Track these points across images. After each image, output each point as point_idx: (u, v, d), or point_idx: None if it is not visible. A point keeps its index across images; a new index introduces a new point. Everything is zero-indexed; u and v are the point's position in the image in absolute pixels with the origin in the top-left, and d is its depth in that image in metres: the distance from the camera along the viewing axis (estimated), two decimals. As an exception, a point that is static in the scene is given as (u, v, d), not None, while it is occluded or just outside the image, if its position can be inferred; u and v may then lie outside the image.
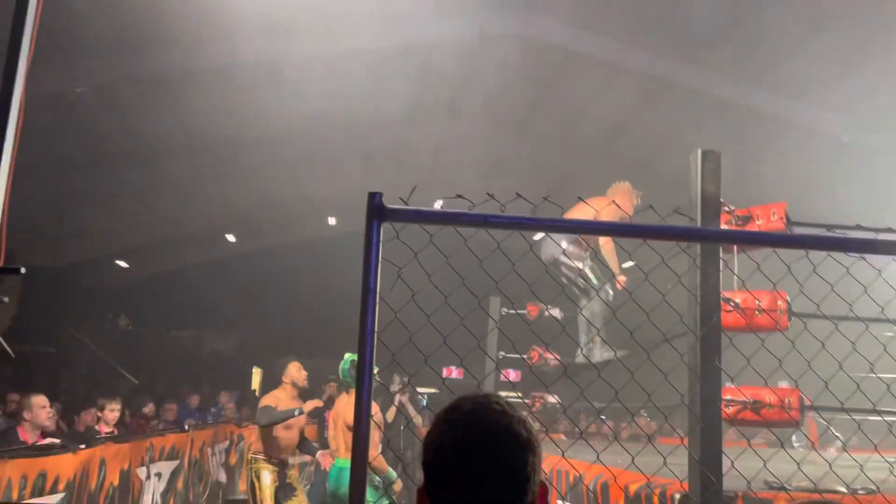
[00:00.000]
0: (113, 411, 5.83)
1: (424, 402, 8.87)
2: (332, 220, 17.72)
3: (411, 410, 8.27)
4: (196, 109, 11.20)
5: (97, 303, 16.75)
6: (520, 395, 6.35)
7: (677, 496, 2.96)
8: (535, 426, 1.07)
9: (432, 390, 13.95)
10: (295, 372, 5.71)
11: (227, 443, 7.84)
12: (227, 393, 10.92)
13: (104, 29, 9.07)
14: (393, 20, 9.95)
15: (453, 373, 15.03)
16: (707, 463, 2.86)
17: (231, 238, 17.49)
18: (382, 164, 14.16)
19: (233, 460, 8.08)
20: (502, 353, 7.15)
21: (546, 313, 6.39)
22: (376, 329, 1.92)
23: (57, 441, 4.29)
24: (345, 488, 4.89)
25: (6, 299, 2.18)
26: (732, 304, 3.04)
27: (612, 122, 11.81)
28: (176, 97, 10.78)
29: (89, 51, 9.73)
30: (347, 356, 5.49)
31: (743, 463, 2.72)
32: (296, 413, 5.44)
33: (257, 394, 13.91)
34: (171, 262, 17.92)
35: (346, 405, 5.26)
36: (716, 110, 10.14)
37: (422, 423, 8.46)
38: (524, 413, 1.06)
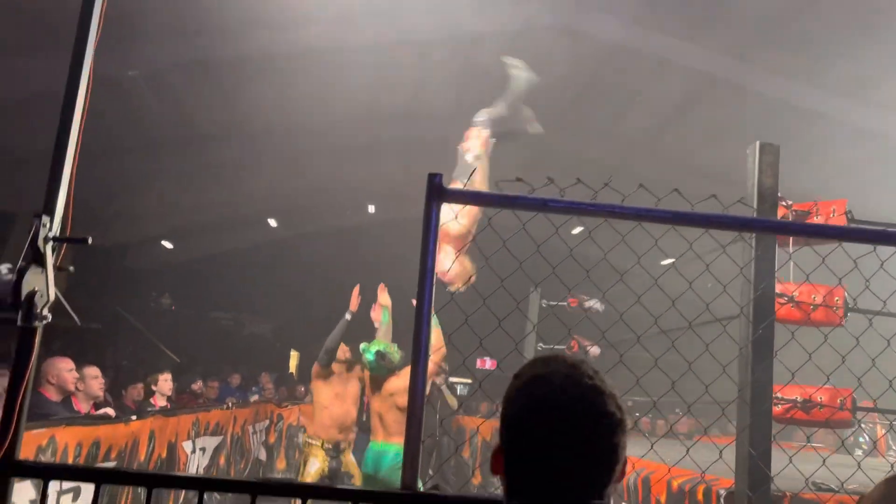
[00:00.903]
0: (167, 381, 5.99)
1: (458, 391, 8.90)
2: (371, 208, 17.83)
3: (449, 398, 8.28)
4: (243, 96, 11.37)
5: (142, 282, 17.14)
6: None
7: (723, 492, 2.93)
8: None
9: (467, 380, 14.00)
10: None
11: (267, 422, 7.99)
12: (267, 374, 11.11)
13: (157, 15, 9.25)
14: (439, 10, 9.95)
15: (487, 363, 15.03)
16: (756, 462, 2.82)
17: (273, 223, 17.73)
18: (423, 155, 14.19)
19: (272, 439, 8.23)
20: (541, 345, 7.14)
21: (586, 304, 6.37)
22: (433, 310, 1.94)
23: (111, 411, 4.42)
24: (384, 471, 4.82)
25: (72, 269, 2.25)
26: (787, 298, 2.99)
27: (660, 117, 11.64)
28: (224, 84, 10.96)
29: (142, 36, 9.92)
30: (364, 347, 5.41)
31: (791, 465, 2.67)
32: (347, 317, 5.63)
33: (295, 376, 14.13)
34: (214, 245, 18.23)
35: (390, 386, 5.16)
36: (766, 108, 9.94)
37: (458, 412, 8.47)
38: (612, 385, 1.00)
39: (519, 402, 0.99)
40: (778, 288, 3.08)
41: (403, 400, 4.57)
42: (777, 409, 3.18)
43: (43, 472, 1.78)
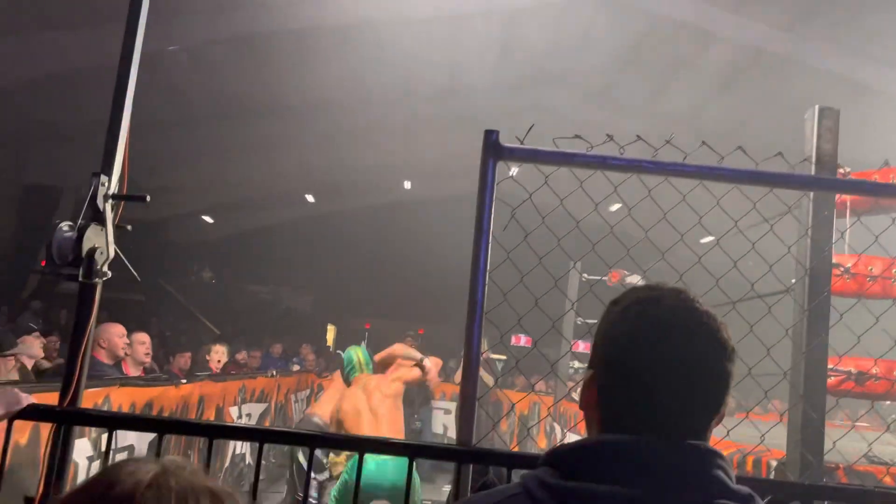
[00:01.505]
0: (219, 352, 6.16)
1: (500, 366, 8.91)
2: (407, 184, 17.85)
3: (485, 375, 8.27)
4: (282, 72, 11.42)
5: (183, 256, 17.49)
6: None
7: (774, 463, 2.89)
8: None
9: (502, 357, 14.01)
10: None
11: (309, 391, 8.13)
12: (308, 345, 11.29)
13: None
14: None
15: (521, 341, 14.99)
16: (809, 432, 2.77)
17: (310, 198, 17.88)
18: (460, 131, 14.14)
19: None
20: (580, 319, 7.10)
21: (627, 280, 6.30)
22: (488, 269, 1.92)
23: (162, 374, 4.54)
24: (388, 482, 3.82)
25: (129, 227, 2.28)
26: (843, 269, 2.91)
27: (705, 89, 11.38)
28: (263, 59, 11.01)
29: (183, 11, 10.01)
30: (351, 352, 4.81)
31: (845, 442, 2.62)
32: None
33: (332, 349, 14.30)
34: (253, 220, 18.48)
35: (378, 382, 4.64)
36: (818, 80, 9.65)
37: (497, 388, 8.45)
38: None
39: (626, 323, 0.92)
40: (834, 258, 3.00)
41: (389, 387, 4.40)
42: (830, 381, 3.11)
43: (108, 421, 1.82)
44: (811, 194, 2.71)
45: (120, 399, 3.32)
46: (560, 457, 0.88)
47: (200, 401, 4.48)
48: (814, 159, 2.91)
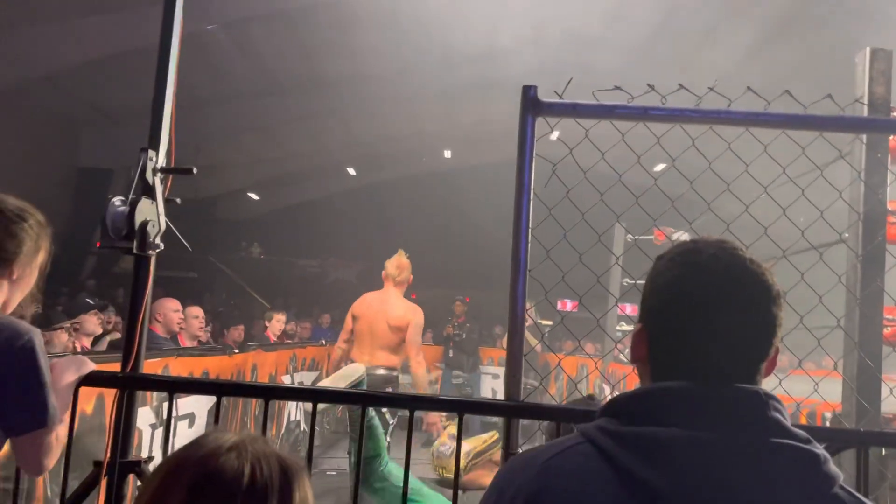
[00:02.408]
0: (279, 321, 6.38)
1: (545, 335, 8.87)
2: (447, 153, 17.80)
3: (530, 338, 8.25)
4: (317, 46, 11.43)
5: (231, 233, 17.86)
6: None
7: (829, 415, 2.84)
8: None
9: (548, 322, 14.01)
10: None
11: (358, 360, 8.26)
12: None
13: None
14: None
15: (567, 305, 14.93)
16: (864, 385, 2.72)
17: (352, 171, 17.99)
18: (498, 98, 13.99)
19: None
20: (626, 280, 7.04)
21: (674, 237, 6.21)
22: (530, 226, 1.92)
23: (216, 345, 4.69)
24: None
25: (178, 200, 2.34)
26: (900, 216, 2.82)
27: (749, 41, 10.98)
28: (301, 34, 11.03)
29: (219, -12, 10.08)
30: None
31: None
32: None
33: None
34: (297, 195, 18.71)
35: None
36: (865, 23, 9.21)
37: (540, 351, 8.48)
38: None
39: (670, 272, 0.94)
40: (888, 205, 2.90)
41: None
42: (887, 331, 3.03)
43: (170, 385, 1.89)
44: (864, 138, 2.63)
45: (178, 369, 3.45)
46: (619, 405, 0.90)
47: (254, 369, 4.61)
48: (866, 102, 2.81)
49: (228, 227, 17.73)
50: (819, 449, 0.84)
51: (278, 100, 13.26)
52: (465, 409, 1.78)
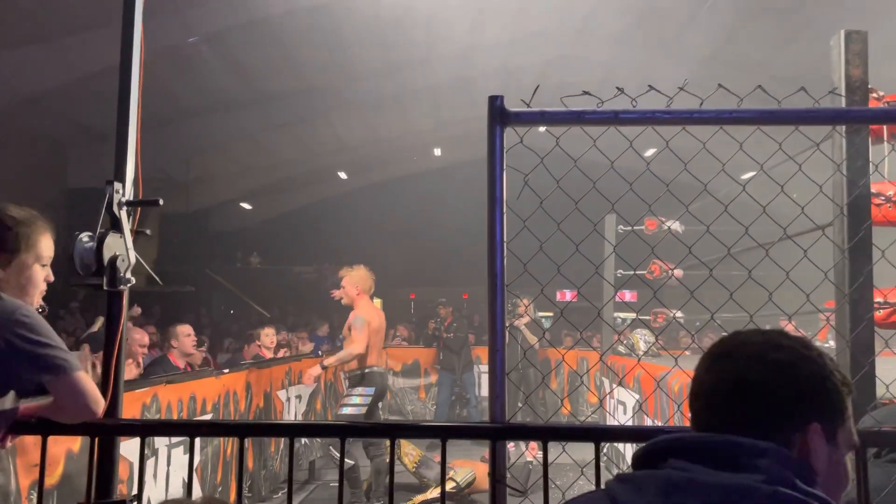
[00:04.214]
0: (269, 336, 6.43)
1: (547, 325, 8.86)
2: (437, 151, 17.75)
3: (529, 336, 8.19)
4: (300, 51, 11.37)
5: (226, 244, 17.80)
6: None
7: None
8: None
9: (548, 314, 13.97)
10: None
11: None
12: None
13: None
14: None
15: (567, 296, 14.86)
16: (859, 364, 2.68)
17: (343, 175, 17.93)
18: (485, 91, 13.91)
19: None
20: (619, 271, 6.99)
21: (665, 226, 6.16)
22: (505, 240, 1.88)
23: (206, 369, 4.69)
24: None
25: (149, 231, 2.29)
26: (884, 198, 2.78)
27: (726, 26, 10.87)
28: (281, 40, 10.97)
29: (198, 3, 10.02)
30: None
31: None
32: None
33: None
34: (290, 203, 18.66)
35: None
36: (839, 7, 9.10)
37: (539, 347, 8.39)
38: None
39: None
40: (873, 188, 2.85)
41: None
42: (878, 314, 2.99)
43: (140, 430, 1.85)
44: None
45: (168, 396, 3.41)
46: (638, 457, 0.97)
47: (248, 388, 4.58)
48: (843, 86, 2.76)
49: (223, 239, 17.68)
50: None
51: (264, 108, 13.21)
52: (447, 434, 1.74)
